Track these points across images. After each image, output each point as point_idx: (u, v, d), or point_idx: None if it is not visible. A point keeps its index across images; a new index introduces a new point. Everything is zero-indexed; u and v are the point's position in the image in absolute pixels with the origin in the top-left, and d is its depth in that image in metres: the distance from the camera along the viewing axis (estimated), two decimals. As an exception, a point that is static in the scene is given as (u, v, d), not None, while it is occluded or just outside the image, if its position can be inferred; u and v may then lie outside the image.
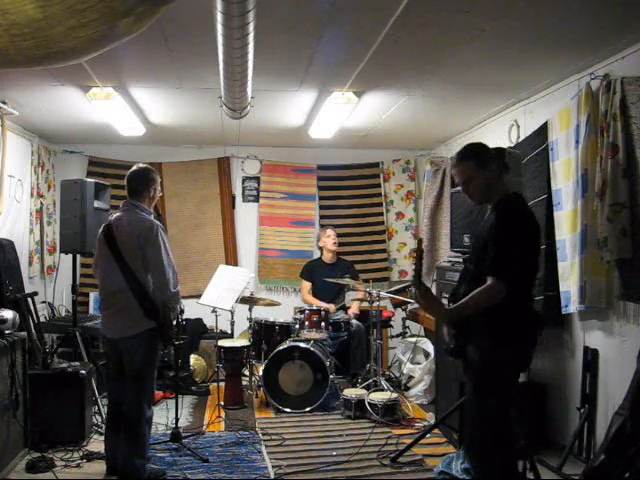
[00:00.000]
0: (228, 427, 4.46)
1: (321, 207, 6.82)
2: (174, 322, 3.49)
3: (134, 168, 3.55)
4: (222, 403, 4.84)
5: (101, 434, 3.87)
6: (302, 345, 4.88)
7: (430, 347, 5.34)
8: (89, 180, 4.54)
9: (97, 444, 3.88)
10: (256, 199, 6.77)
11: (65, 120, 5.25)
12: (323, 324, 5.17)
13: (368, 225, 6.82)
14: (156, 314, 3.31)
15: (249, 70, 3.38)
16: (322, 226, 6.46)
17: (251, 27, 2.72)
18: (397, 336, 6.32)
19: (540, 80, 4.08)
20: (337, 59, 3.69)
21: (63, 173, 5.94)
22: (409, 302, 5.51)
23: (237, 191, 6.75)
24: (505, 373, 2.63)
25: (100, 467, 3.60)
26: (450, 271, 4.37)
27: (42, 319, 4.92)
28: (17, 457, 3.65)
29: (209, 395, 5.32)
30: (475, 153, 2.79)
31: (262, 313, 5.54)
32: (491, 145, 2.97)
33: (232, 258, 6.62)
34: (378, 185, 6.85)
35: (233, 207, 6.72)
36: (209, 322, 5.88)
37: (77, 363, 4.19)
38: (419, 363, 5.53)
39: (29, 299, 4.49)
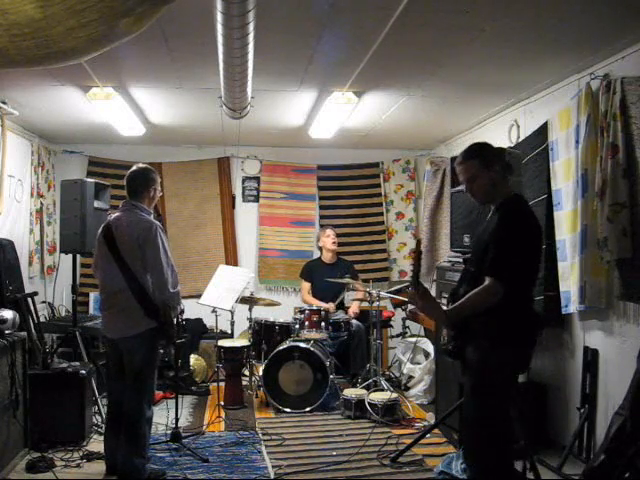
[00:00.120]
0: (228, 427, 4.46)
1: (321, 207, 6.82)
2: (174, 322, 3.49)
3: (134, 168, 3.55)
4: (222, 403, 4.84)
5: (101, 434, 3.87)
6: (302, 345, 4.88)
7: (430, 347, 5.34)
8: (89, 180, 4.54)
9: (97, 444, 3.88)
10: (256, 199, 6.78)
11: (65, 120, 5.25)
12: (323, 324, 5.17)
13: (368, 225, 6.82)
14: (157, 314, 3.31)
15: (249, 70, 3.38)
16: (322, 226, 6.46)
17: (251, 27, 2.72)
18: (397, 336, 6.32)
19: (540, 80, 4.08)
20: (337, 59, 3.69)
21: (63, 173, 5.94)
22: (409, 302, 5.51)
23: (237, 191, 6.75)
24: (504, 374, 2.63)
25: (100, 467, 3.60)
26: (450, 271, 4.37)
27: (42, 319, 4.92)
28: (17, 457, 3.65)
29: (209, 395, 5.32)
30: (480, 152, 2.78)
31: (262, 313, 5.54)
32: (491, 145, 2.97)
33: (232, 258, 6.62)
34: (378, 185, 6.85)
35: (233, 207, 6.72)
36: (209, 322, 5.88)
37: (77, 363, 4.19)
38: (419, 363, 5.53)
39: (29, 299, 4.49)
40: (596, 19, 3.00)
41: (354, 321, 5.54)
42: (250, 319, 5.31)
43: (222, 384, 4.95)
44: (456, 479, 3.39)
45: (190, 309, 5.30)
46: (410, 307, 5.75)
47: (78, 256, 4.57)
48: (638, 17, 2.95)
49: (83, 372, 4.01)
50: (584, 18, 2.99)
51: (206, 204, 6.64)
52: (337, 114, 4.81)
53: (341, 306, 5.80)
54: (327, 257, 5.97)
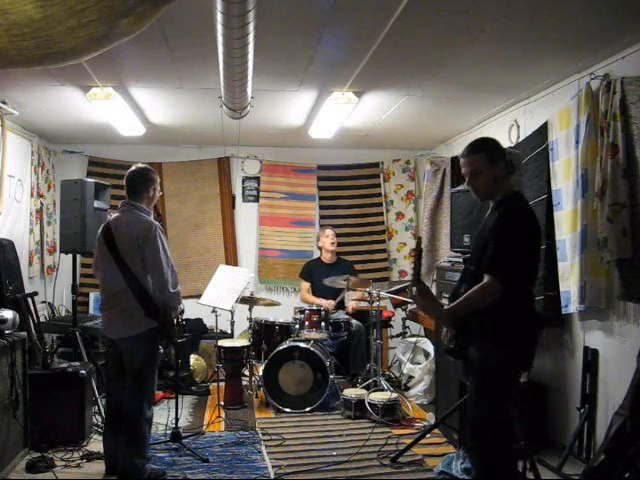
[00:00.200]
0: (228, 427, 4.46)
1: (321, 207, 6.82)
2: (175, 322, 3.49)
3: (133, 168, 3.55)
4: (222, 403, 4.84)
5: (101, 434, 3.87)
6: (302, 345, 4.88)
7: (430, 347, 5.33)
8: (89, 180, 4.53)
9: (97, 444, 3.88)
10: (256, 199, 6.77)
11: (65, 120, 5.25)
12: (323, 324, 5.17)
13: (368, 225, 6.82)
14: (157, 314, 3.31)
15: (249, 70, 3.38)
16: (322, 226, 6.46)
17: (251, 27, 2.72)
18: (397, 336, 6.32)
19: (540, 80, 4.08)
20: (337, 59, 3.69)
21: (63, 173, 5.94)
22: (409, 302, 5.51)
23: (237, 191, 6.75)
24: (507, 373, 2.62)
25: (100, 467, 3.60)
26: (450, 271, 4.37)
27: (42, 319, 4.92)
28: (17, 457, 3.65)
29: (209, 395, 5.32)
30: (487, 147, 2.77)
31: (262, 313, 5.54)
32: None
33: (232, 258, 6.62)
34: (378, 185, 6.85)
35: (233, 207, 6.72)
36: (209, 322, 5.88)
37: (77, 363, 4.19)
38: (419, 363, 5.53)
39: (29, 299, 4.49)
40: (596, 19, 3.00)
41: (354, 321, 5.54)
42: (250, 319, 5.31)
43: (222, 384, 4.95)
44: (456, 479, 3.39)
45: (190, 309, 5.29)
46: (410, 307, 5.76)
47: (78, 256, 4.57)
48: (638, 17, 2.95)
49: (83, 372, 4.01)
50: (584, 18, 2.99)
51: (206, 204, 6.64)
52: (337, 114, 4.81)
53: (341, 306, 5.81)
54: (327, 257, 5.97)
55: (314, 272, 5.92)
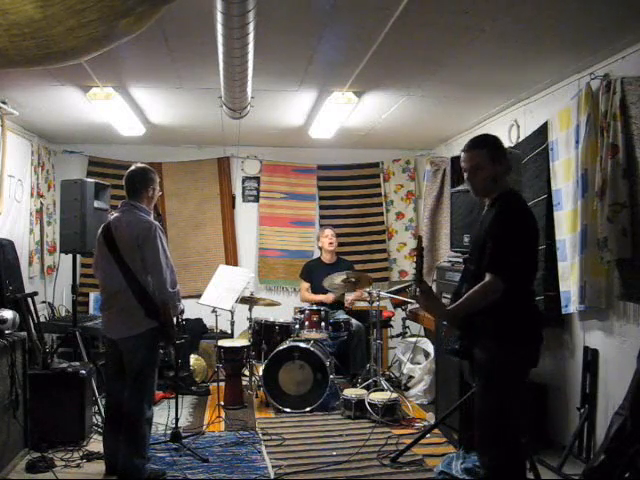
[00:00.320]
0: (228, 427, 4.46)
1: (321, 207, 6.82)
2: (175, 322, 3.49)
3: (132, 168, 3.55)
4: (222, 403, 4.84)
5: (101, 434, 3.87)
6: (302, 345, 4.88)
7: (430, 347, 5.34)
8: (89, 180, 4.54)
9: (97, 444, 3.88)
10: (256, 199, 6.77)
11: (65, 120, 5.25)
12: (323, 324, 5.17)
13: (368, 225, 6.82)
14: (157, 314, 3.31)
15: (249, 70, 3.38)
16: (322, 226, 6.46)
17: (251, 27, 2.72)
18: (397, 336, 6.32)
19: (540, 80, 4.08)
20: (337, 59, 3.69)
21: (63, 173, 5.94)
22: (409, 302, 5.52)
23: (237, 191, 6.75)
24: (514, 372, 2.60)
25: (100, 467, 3.60)
26: (450, 271, 4.37)
27: (42, 319, 4.92)
28: (17, 457, 3.65)
29: (209, 395, 5.32)
30: (489, 143, 2.75)
31: (262, 313, 5.54)
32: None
33: (232, 258, 6.62)
34: (378, 185, 6.85)
35: (233, 207, 6.72)
36: (209, 322, 5.89)
37: (77, 363, 4.19)
38: (419, 363, 5.53)
39: (29, 299, 4.49)
40: (596, 19, 3.00)
41: (354, 321, 5.54)
42: (250, 319, 5.31)
43: (222, 384, 4.95)
44: (456, 479, 3.39)
45: (190, 309, 5.30)
46: (410, 307, 5.76)
47: (78, 256, 4.57)
48: (638, 17, 2.95)
49: (83, 372, 4.01)
50: (584, 18, 2.99)
51: (206, 204, 6.64)
52: (337, 114, 4.81)
53: (341, 305, 5.81)
54: (326, 257, 5.97)
55: (314, 272, 5.91)
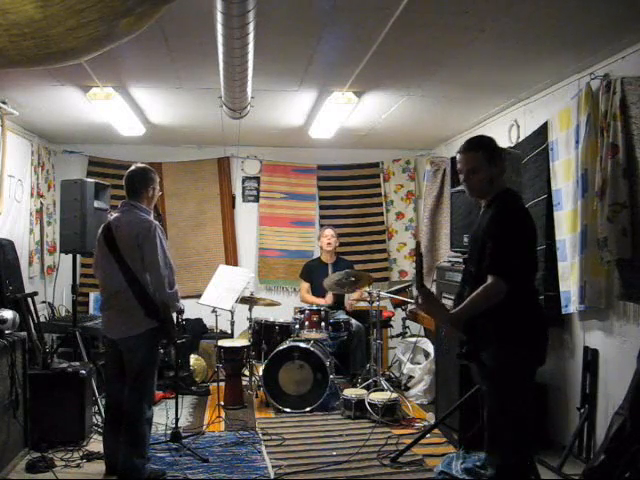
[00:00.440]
0: (228, 427, 4.46)
1: (321, 207, 6.82)
2: (174, 321, 3.49)
3: (132, 168, 3.55)
4: (222, 403, 4.84)
5: (101, 434, 3.87)
6: (302, 345, 4.88)
7: (430, 347, 5.33)
8: (89, 180, 4.54)
9: (97, 444, 3.88)
10: (256, 199, 6.77)
11: (65, 120, 5.25)
12: (323, 324, 5.17)
13: (368, 225, 6.82)
14: (157, 314, 3.31)
15: (249, 70, 3.38)
16: (322, 226, 6.46)
17: (251, 27, 2.72)
18: (397, 336, 6.32)
19: (540, 80, 4.08)
20: (337, 59, 3.69)
21: (63, 173, 5.94)
22: (409, 302, 5.52)
23: (237, 191, 6.75)
24: (522, 373, 2.59)
25: (100, 467, 3.60)
26: (450, 271, 4.37)
27: (42, 319, 4.92)
28: (17, 457, 3.65)
29: (209, 395, 5.32)
30: (485, 145, 2.74)
31: (262, 313, 5.54)
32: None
33: (232, 258, 6.62)
34: (378, 185, 6.85)
35: (233, 207, 6.72)
36: (209, 322, 5.89)
37: (77, 363, 4.19)
38: (419, 363, 5.53)
39: (29, 299, 4.49)
40: (596, 19, 3.00)
41: (354, 321, 5.54)
42: (250, 319, 5.31)
43: (222, 384, 4.95)
44: (456, 479, 3.39)
45: (190, 309, 5.30)
46: (410, 307, 5.76)
47: (78, 256, 4.57)
48: (638, 17, 2.95)
49: (83, 372, 4.01)
50: (584, 18, 2.99)
51: (206, 204, 6.64)
52: (337, 114, 4.81)
53: (341, 305, 5.81)
54: (326, 257, 5.97)
55: (314, 272, 5.92)
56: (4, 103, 4.45)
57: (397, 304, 5.93)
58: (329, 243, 5.89)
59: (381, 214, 6.83)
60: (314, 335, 5.11)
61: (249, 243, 6.74)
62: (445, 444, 4.06)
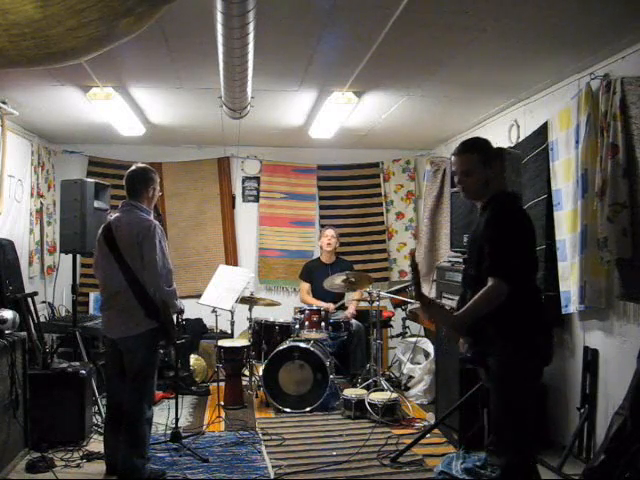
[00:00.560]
0: (228, 427, 4.46)
1: (321, 207, 6.82)
2: (174, 321, 3.49)
3: (133, 168, 3.55)
4: (222, 403, 4.84)
5: (101, 434, 3.87)
6: (302, 345, 4.88)
7: (430, 347, 5.33)
8: (89, 180, 4.54)
9: (97, 444, 3.88)
10: (256, 199, 6.77)
11: (65, 120, 5.25)
12: (323, 324, 5.17)
13: (368, 225, 6.82)
14: (157, 314, 3.31)
15: (249, 70, 3.38)
16: (322, 226, 6.46)
17: (251, 27, 2.72)
18: (397, 336, 6.32)
19: (540, 80, 4.08)
20: (337, 59, 3.69)
21: (63, 173, 5.94)
22: (409, 302, 5.52)
23: (237, 191, 6.75)
24: (528, 374, 2.59)
25: (100, 467, 3.60)
26: (450, 271, 4.37)
27: (42, 319, 4.92)
28: (17, 457, 3.65)
29: (209, 395, 5.32)
30: (480, 147, 2.74)
31: (262, 313, 5.54)
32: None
33: (232, 258, 6.62)
34: (378, 185, 6.85)
35: (233, 207, 6.72)
36: (209, 322, 5.89)
37: (77, 363, 4.19)
38: (419, 363, 5.53)
39: (29, 299, 4.49)
40: (596, 19, 3.00)
41: (354, 321, 5.54)
42: (250, 319, 5.31)
43: (222, 384, 4.95)
44: (456, 479, 3.39)
45: (190, 309, 5.29)
46: (410, 307, 5.76)
47: (78, 256, 4.57)
48: (638, 17, 2.95)
49: (83, 372, 4.01)
50: (584, 18, 2.99)
51: (206, 204, 6.64)
52: (337, 114, 4.81)
53: (341, 305, 5.80)
54: (325, 257, 5.97)
55: (313, 272, 5.91)
56: (4, 103, 4.45)
57: (397, 304, 5.93)
58: (329, 243, 5.88)
59: (381, 214, 6.83)
60: (314, 335, 5.11)
61: (249, 243, 6.74)
62: (445, 444, 4.06)
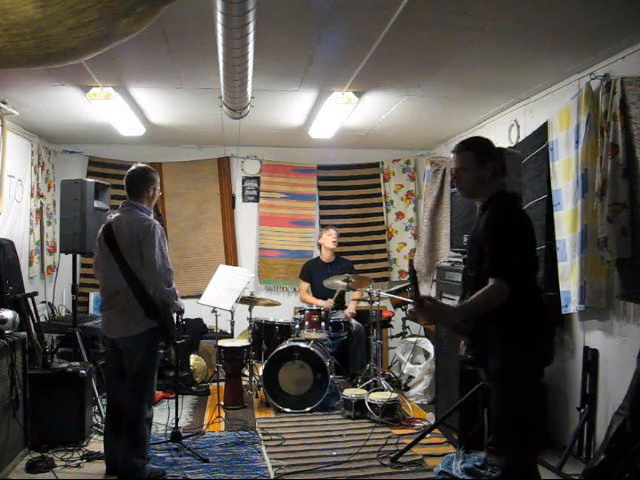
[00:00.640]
0: (228, 427, 4.46)
1: (321, 207, 6.82)
2: (174, 321, 3.49)
3: (133, 168, 3.55)
4: (222, 403, 4.84)
5: (101, 434, 3.87)
6: (302, 345, 4.88)
7: (430, 347, 5.33)
8: (89, 180, 4.54)
9: (97, 444, 3.88)
10: (256, 199, 6.77)
11: (65, 120, 5.25)
12: (323, 324, 5.17)
13: (368, 225, 6.82)
14: (157, 314, 3.31)
15: (249, 70, 3.38)
16: (323, 226, 6.46)
17: (251, 27, 2.72)
18: (397, 336, 6.32)
19: (540, 80, 4.08)
20: (337, 59, 3.69)
21: (63, 173, 5.94)
22: (409, 302, 5.51)
23: (237, 191, 6.75)
24: (529, 375, 2.58)
25: (100, 467, 3.60)
26: (450, 271, 4.37)
27: (42, 319, 4.92)
28: (17, 457, 3.65)
29: (209, 395, 5.32)
30: (477, 146, 2.74)
31: (262, 313, 5.54)
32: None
33: (232, 258, 6.62)
34: (378, 185, 6.85)
35: (233, 207, 6.72)
36: (209, 322, 5.89)
37: (77, 363, 4.19)
38: (419, 363, 5.53)
39: (29, 299, 4.49)
40: (596, 19, 3.00)
41: (354, 321, 5.54)
42: (250, 319, 5.31)
43: (222, 384, 4.95)
44: (456, 479, 3.39)
45: (190, 309, 5.29)
46: (410, 307, 5.76)
47: (78, 256, 4.57)
48: (638, 17, 2.95)
49: (83, 372, 4.01)
50: (584, 18, 2.99)
51: (206, 204, 6.64)
52: (337, 114, 4.81)
53: (341, 305, 5.80)
54: (326, 256, 5.97)
55: (313, 272, 5.92)
56: (4, 103, 4.45)
57: (397, 304, 5.93)
58: (334, 241, 5.89)
59: (381, 214, 6.83)
60: (314, 335, 5.11)
61: (249, 243, 6.74)
62: (445, 444, 4.06)
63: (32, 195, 5.52)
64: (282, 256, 6.72)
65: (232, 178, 6.71)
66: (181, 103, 4.76)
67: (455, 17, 2.97)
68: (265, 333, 5.19)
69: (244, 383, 5.35)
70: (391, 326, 6.24)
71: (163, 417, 4.39)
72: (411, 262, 2.98)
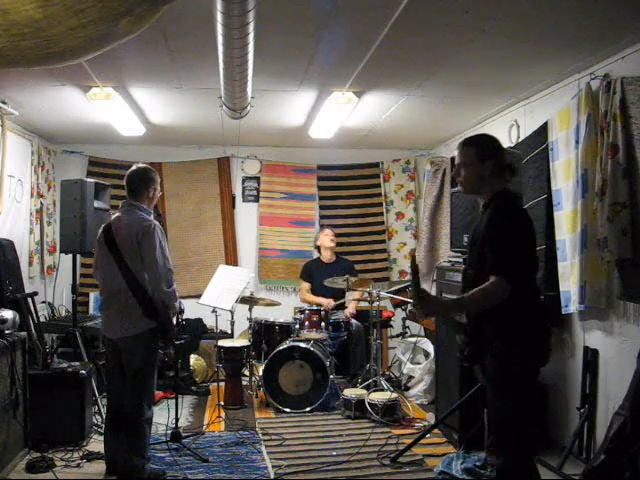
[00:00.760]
0: (228, 427, 4.46)
1: (321, 207, 6.82)
2: (174, 321, 3.49)
3: (133, 168, 3.55)
4: (222, 403, 4.84)
5: (101, 434, 3.87)
6: (302, 345, 4.88)
7: (430, 347, 5.33)
8: (89, 180, 4.54)
9: (97, 444, 3.88)
10: (256, 199, 6.78)
11: (65, 120, 5.25)
12: (323, 324, 5.17)
13: (368, 225, 6.82)
14: (156, 314, 3.31)
15: (249, 70, 3.38)
16: (322, 226, 6.47)
17: (251, 27, 2.72)
18: (397, 336, 6.32)
19: (540, 80, 4.08)
20: (337, 59, 3.69)
21: (63, 173, 5.94)
22: (409, 302, 5.51)
23: (237, 191, 6.75)
24: (526, 374, 2.59)
25: (100, 467, 3.60)
26: (450, 271, 4.37)
27: (42, 319, 4.92)
28: (17, 457, 3.65)
29: (209, 395, 5.32)
30: (480, 143, 2.73)
31: (262, 313, 5.54)
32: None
33: (232, 258, 6.62)
34: (378, 185, 6.85)
35: (233, 207, 6.72)
36: (209, 322, 5.89)
37: (77, 363, 4.19)
38: (419, 363, 5.53)
39: (29, 299, 4.49)
40: (596, 19, 3.00)
41: (354, 321, 5.54)
42: (250, 319, 5.31)
43: (222, 384, 4.95)
44: (456, 479, 3.39)
45: (190, 309, 5.29)
46: (410, 307, 5.75)
47: (78, 256, 4.56)
48: (638, 17, 2.95)
49: (83, 372, 4.01)
50: (584, 18, 2.99)
51: (206, 204, 6.64)
52: (337, 114, 4.81)
53: (341, 305, 5.80)
54: (326, 256, 5.97)
55: (314, 272, 5.92)
56: (4, 103, 4.45)
57: (397, 304, 5.93)
58: (332, 240, 5.89)
59: (381, 214, 6.83)
60: (314, 335, 5.11)
61: (249, 243, 6.74)
62: (445, 444, 4.06)
63: (32, 195, 5.52)
64: (282, 256, 6.72)
65: (232, 178, 6.71)
66: (181, 103, 4.76)
67: (455, 17, 2.97)
68: (265, 333, 5.19)
69: (244, 383, 5.35)
70: (391, 326, 6.24)
71: (163, 417, 4.38)
72: (413, 255, 2.95)
